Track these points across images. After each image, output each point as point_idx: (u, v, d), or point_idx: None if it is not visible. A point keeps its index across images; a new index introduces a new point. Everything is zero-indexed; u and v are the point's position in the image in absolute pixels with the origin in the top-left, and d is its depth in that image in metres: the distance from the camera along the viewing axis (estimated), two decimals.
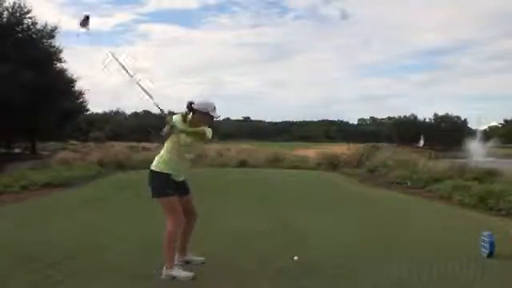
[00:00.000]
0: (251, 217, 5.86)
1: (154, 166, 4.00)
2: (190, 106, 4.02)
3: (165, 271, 3.88)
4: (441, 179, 10.61)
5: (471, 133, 54.38)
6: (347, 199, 9.37)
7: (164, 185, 3.92)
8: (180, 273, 3.89)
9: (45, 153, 29.46)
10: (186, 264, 4.17)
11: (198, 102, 4.01)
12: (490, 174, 10.63)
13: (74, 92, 32.37)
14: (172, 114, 4.02)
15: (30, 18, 23.96)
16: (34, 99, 21.85)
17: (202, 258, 4.30)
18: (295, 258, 4.38)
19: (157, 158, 4.05)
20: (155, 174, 3.97)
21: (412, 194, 10.10)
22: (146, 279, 3.87)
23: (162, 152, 4.04)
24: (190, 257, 4.26)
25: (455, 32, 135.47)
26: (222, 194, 9.01)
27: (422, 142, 61.17)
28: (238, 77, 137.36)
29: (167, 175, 3.95)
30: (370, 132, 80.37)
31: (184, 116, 4.02)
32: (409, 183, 11.25)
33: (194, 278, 3.85)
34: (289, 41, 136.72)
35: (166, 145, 4.03)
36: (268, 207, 7.48)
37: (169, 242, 3.91)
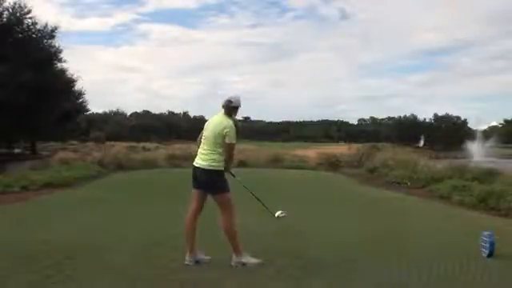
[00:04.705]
0: (251, 216, 5.86)
1: (220, 166, 4.23)
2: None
3: (235, 259, 4.19)
4: (441, 179, 10.61)
5: (471, 133, 54.41)
6: (347, 199, 9.36)
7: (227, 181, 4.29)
8: (249, 259, 4.21)
9: (45, 153, 29.46)
10: (196, 263, 4.24)
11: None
12: (490, 174, 10.62)
13: (74, 92, 32.35)
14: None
15: (30, 18, 23.93)
16: (34, 99, 21.81)
17: (208, 257, 4.36)
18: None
19: (214, 158, 4.22)
20: (221, 173, 4.23)
21: (412, 194, 10.10)
22: (146, 279, 3.87)
23: (216, 153, 4.23)
24: (200, 256, 4.33)
25: (455, 32, 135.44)
26: None
27: (422, 142, 61.25)
28: (237, 77, 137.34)
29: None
30: (370, 132, 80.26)
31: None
32: (409, 183, 11.25)
33: (262, 265, 4.19)
34: (289, 41, 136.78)
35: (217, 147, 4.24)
36: (268, 207, 7.56)
37: (230, 233, 4.22)
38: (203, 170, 4.20)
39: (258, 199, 4.67)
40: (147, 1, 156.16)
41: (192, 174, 4.33)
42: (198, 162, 4.27)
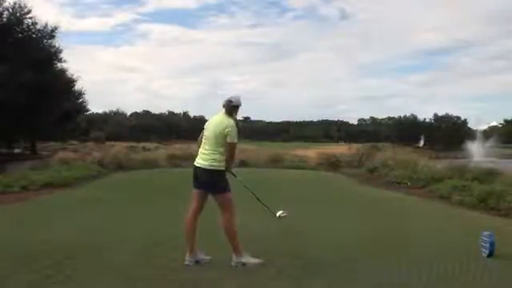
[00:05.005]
0: (251, 217, 5.86)
1: (221, 166, 4.23)
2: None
3: (235, 259, 4.18)
4: (441, 179, 10.61)
5: (471, 133, 54.42)
6: (347, 199, 9.36)
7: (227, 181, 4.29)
8: (249, 259, 4.21)
9: (45, 153, 29.46)
10: (196, 263, 4.25)
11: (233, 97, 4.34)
12: (490, 174, 10.62)
13: (74, 92, 32.35)
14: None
15: (30, 18, 23.94)
16: (34, 99, 21.82)
17: (209, 257, 4.37)
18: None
19: (215, 158, 4.22)
20: (222, 172, 4.24)
21: (412, 193, 10.10)
22: (146, 279, 3.88)
23: (218, 153, 4.23)
24: (200, 256, 4.34)
25: (455, 32, 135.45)
26: None
27: (422, 142, 61.27)
28: (237, 77, 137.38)
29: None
30: (370, 132, 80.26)
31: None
32: (409, 183, 11.25)
33: (261, 265, 4.19)
34: (289, 41, 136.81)
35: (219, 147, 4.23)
36: (269, 207, 7.53)
37: (230, 233, 4.23)
38: (204, 169, 4.20)
39: (259, 199, 4.68)
40: (147, 1, 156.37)
41: (193, 173, 4.33)
42: (199, 161, 4.27)
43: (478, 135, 47.97)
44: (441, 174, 11.19)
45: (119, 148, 21.97)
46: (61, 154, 17.95)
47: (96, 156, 17.26)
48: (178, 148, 22.28)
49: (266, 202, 4.79)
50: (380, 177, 12.98)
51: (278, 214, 4.66)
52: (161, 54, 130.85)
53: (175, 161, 18.11)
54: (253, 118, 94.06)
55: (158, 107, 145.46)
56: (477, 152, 36.61)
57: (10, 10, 23.29)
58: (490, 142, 44.55)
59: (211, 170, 4.18)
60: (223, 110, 4.29)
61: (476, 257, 4.58)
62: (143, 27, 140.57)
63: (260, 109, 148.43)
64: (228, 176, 4.30)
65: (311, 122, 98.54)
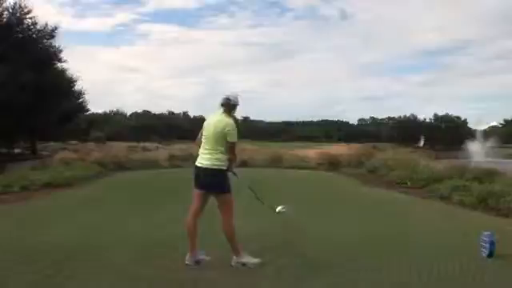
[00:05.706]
0: (251, 217, 5.86)
1: (224, 166, 4.22)
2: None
3: (235, 259, 4.19)
4: (441, 179, 10.60)
5: (471, 133, 54.46)
6: (347, 199, 9.36)
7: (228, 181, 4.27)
8: (249, 259, 4.22)
9: (45, 153, 29.45)
10: (197, 263, 4.25)
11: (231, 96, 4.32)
12: (489, 174, 10.60)
13: (74, 92, 32.35)
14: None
15: (30, 18, 23.92)
16: (34, 99, 21.82)
17: (209, 257, 4.37)
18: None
19: (217, 158, 4.21)
20: (224, 172, 4.23)
21: (412, 194, 10.09)
22: (146, 279, 3.88)
23: (219, 153, 4.21)
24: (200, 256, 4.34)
25: (455, 32, 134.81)
26: None
27: (422, 142, 61.26)
28: (237, 76, 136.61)
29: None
30: (370, 132, 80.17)
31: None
32: (409, 183, 11.24)
33: (261, 264, 4.20)
34: (289, 41, 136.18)
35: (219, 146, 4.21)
36: (268, 204, 7.53)
37: (229, 233, 4.22)
38: (206, 169, 4.18)
39: (258, 197, 4.67)
40: (147, 1, 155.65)
41: (194, 174, 4.31)
42: (201, 161, 4.24)
43: (478, 135, 47.99)
44: (441, 174, 11.17)
45: (119, 148, 21.98)
46: (61, 154, 17.94)
47: (96, 156, 17.25)
48: (178, 148, 22.28)
49: (267, 201, 4.78)
50: (380, 177, 12.97)
51: (277, 210, 4.68)
52: (161, 53, 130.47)
53: (175, 161, 18.09)
54: (253, 118, 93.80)
55: (158, 107, 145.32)
56: (477, 152, 36.59)
57: (10, 10, 23.28)
58: (490, 142, 44.54)
59: (214, 169, 4.17)
60: (221, 109, 4.27)
61: (476, 257, 4.58)
62: (143, 27, 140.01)
63: (260, 109, 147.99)
64: (229, 175, 4.30)
65: (311, 122, 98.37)
